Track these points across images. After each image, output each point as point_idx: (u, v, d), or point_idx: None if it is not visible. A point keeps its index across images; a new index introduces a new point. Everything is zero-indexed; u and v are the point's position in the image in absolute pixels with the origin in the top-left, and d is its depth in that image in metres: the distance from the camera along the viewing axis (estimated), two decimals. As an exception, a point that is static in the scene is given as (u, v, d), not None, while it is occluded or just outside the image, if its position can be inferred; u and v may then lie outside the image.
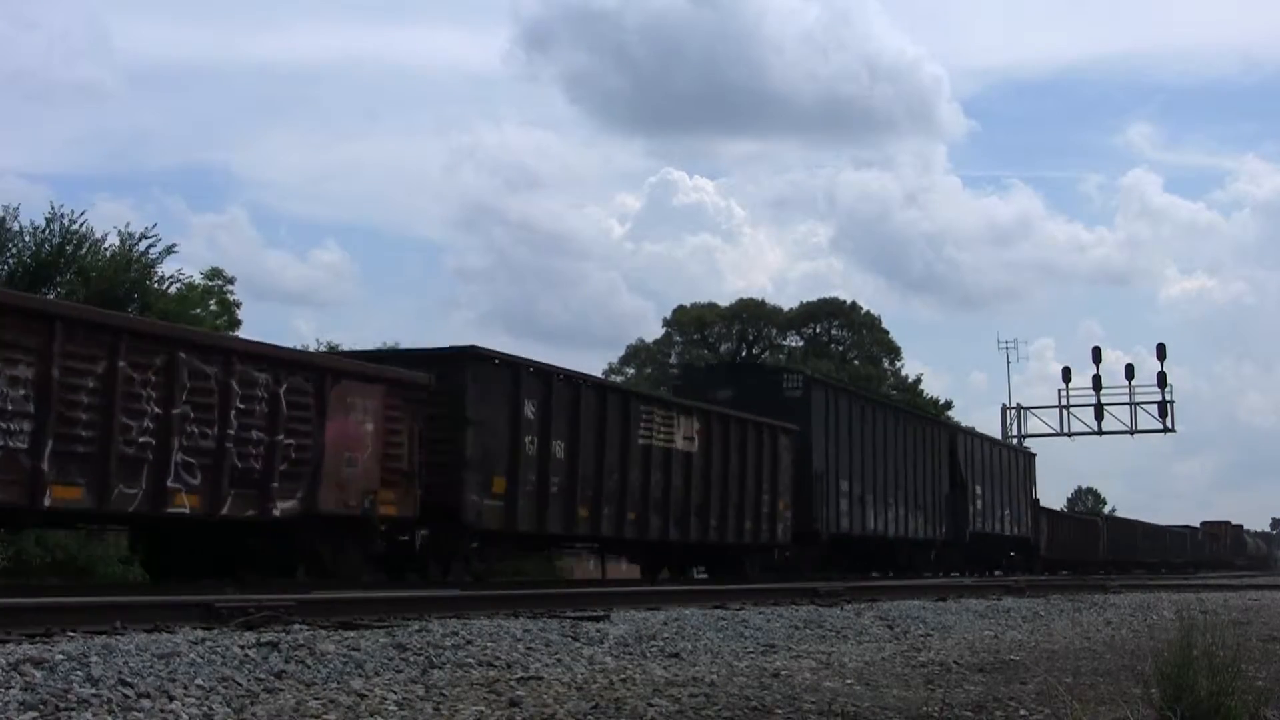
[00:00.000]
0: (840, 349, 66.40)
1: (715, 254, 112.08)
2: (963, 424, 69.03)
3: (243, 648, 6.77)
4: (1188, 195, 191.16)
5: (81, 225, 27.47)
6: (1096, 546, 55.24)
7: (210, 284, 34.63)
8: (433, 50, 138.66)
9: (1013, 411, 62.15)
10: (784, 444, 25.60)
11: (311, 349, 30.21)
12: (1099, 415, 58.65)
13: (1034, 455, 48.82)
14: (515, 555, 23.98)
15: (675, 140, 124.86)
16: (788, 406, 26.88)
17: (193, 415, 13.45)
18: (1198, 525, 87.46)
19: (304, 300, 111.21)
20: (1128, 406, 58.19)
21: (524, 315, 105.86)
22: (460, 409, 17.18)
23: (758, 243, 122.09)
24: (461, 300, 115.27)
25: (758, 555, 25.54)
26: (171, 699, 5.53)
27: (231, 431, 13.83)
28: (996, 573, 40.91)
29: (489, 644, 7.92)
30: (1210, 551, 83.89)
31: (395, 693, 6.10)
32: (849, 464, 28.92)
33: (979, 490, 38.24)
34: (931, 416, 37.87)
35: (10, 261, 26.55)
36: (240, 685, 5.97)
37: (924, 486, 33.70)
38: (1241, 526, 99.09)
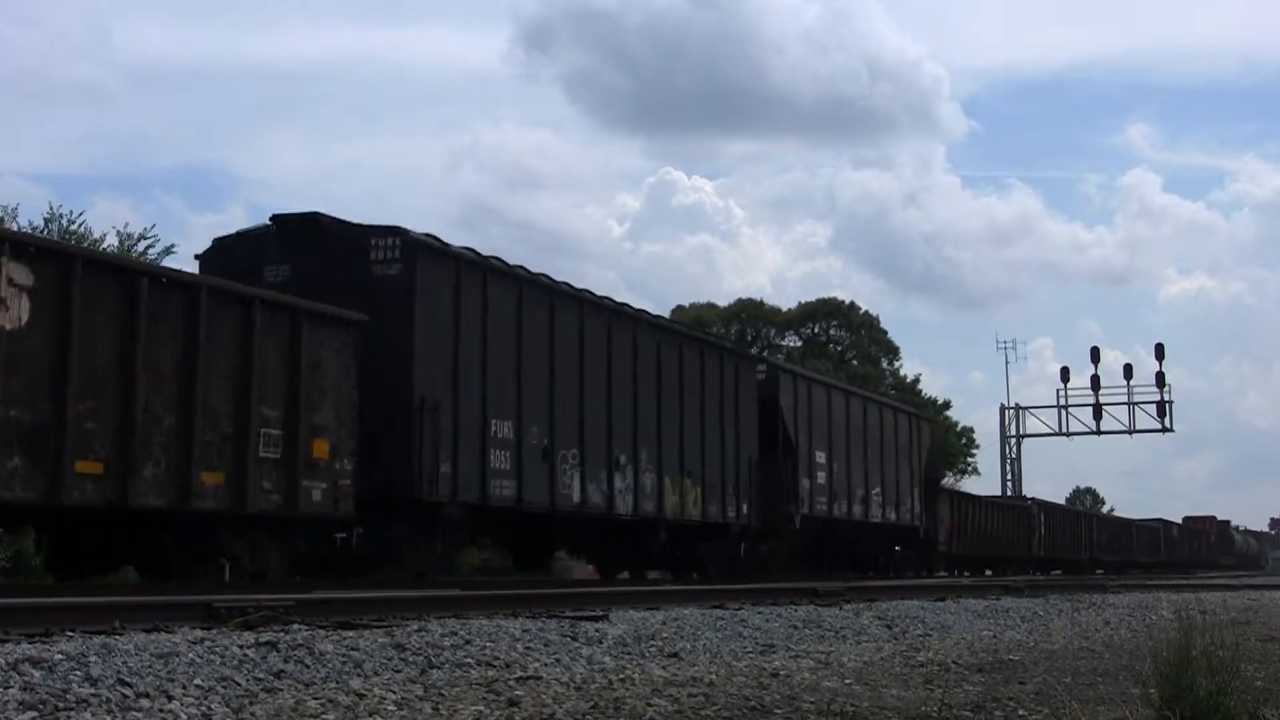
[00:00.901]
0: (839, 349, 66.42)
1: (714, 254, 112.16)
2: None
3: (242, 647, 6.77)
4: (1187, 195, 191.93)
5: (80, 226, 27.49)
6: (1029, 541, 45.95)
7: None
8: (432, 50, 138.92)
9: (1011, 411, 62.29)
10: (327, 344, 15.06)
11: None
12: (1097, 415, 58.91)
13: (927, 419, 38.35)
14: None
15: (675, 140, 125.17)
16: (380, 291, 16.34)
17: None
18: (1179, 520, 78.70)
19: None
20: (1126, 406, 58.46)
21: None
22: None
23: (756, 243, 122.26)
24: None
25: (264, 533, 14.74)
26: (170, 699, 5.53)
27: None
28: (871, 574, 31.16)
29: (488, 644, 7.92)
30: (1190, 549, 74.43)
31: (394, 692, 6.10)
32: (516, 394, 17.81)
33: (822, 458, 27.69)
34: (723, 343, 25.65)
35: (9, 261, 26.48)
36: (239, 685, 5.96)
37: (705, 445, 22.80)
38: (1229, 522, 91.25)
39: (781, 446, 26.02)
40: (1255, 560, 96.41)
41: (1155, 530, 67.90)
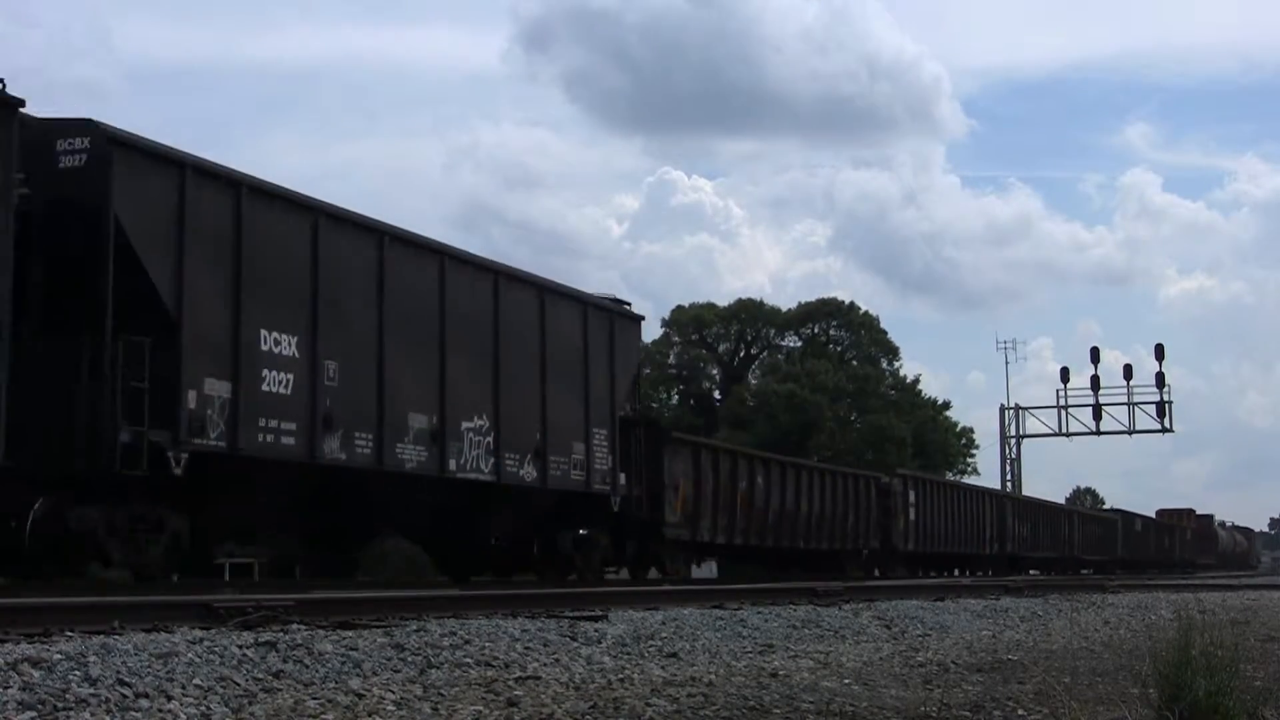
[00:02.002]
0: (838, 349, 66.42)
1: (713, 254, 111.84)
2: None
3: (241, 647, 6.77)
4: (1187, 195, 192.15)
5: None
6: (888, 528, 32.45)
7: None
8: (432, 50, 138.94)
9: (1011, 411, 62.29)
10: None
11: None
12: (1097, 415, 58.83)
13: (628, 316, 21.84)
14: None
15: (674, 140, 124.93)
16: None
17: None
18: (1153, 513, 68.68)
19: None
20: (1126, 407, 58.41)
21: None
22: None
23: (756, 243, 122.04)
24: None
25: None
26: (170, 699, 5.53)
27: None
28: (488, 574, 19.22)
29: (487, 644, 7.92)
30: (1159, 547, 62.66)
31: (393, 692, 6.10)
32: None
33: (286, 347, 14.60)
34: None
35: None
36: (238, 685, 5.96)
37: None
38: (1211, 517, 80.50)
39: (115, 308, 12.72)
40: (1244, 560, 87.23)
41: (1109, 523, 55.69)
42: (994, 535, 40.49)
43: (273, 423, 14.42)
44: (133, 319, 12.88)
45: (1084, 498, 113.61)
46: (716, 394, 64.95)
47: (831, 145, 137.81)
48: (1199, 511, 78.78)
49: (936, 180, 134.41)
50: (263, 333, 14.40)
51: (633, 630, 9.31)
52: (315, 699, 5.83)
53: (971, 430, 68.60)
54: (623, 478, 20.78)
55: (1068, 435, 59.96)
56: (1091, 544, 51.60)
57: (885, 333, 67.31)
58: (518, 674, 7.11)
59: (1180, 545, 67.44)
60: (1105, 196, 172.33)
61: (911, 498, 34.24)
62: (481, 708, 5.84)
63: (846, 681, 7.50)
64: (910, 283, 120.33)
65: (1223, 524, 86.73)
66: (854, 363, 64.72)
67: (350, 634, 7.79)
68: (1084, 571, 46.62)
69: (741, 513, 25.37)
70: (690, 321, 65.06)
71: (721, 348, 66.14)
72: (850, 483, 31.27)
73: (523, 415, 18.42)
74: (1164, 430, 58.38)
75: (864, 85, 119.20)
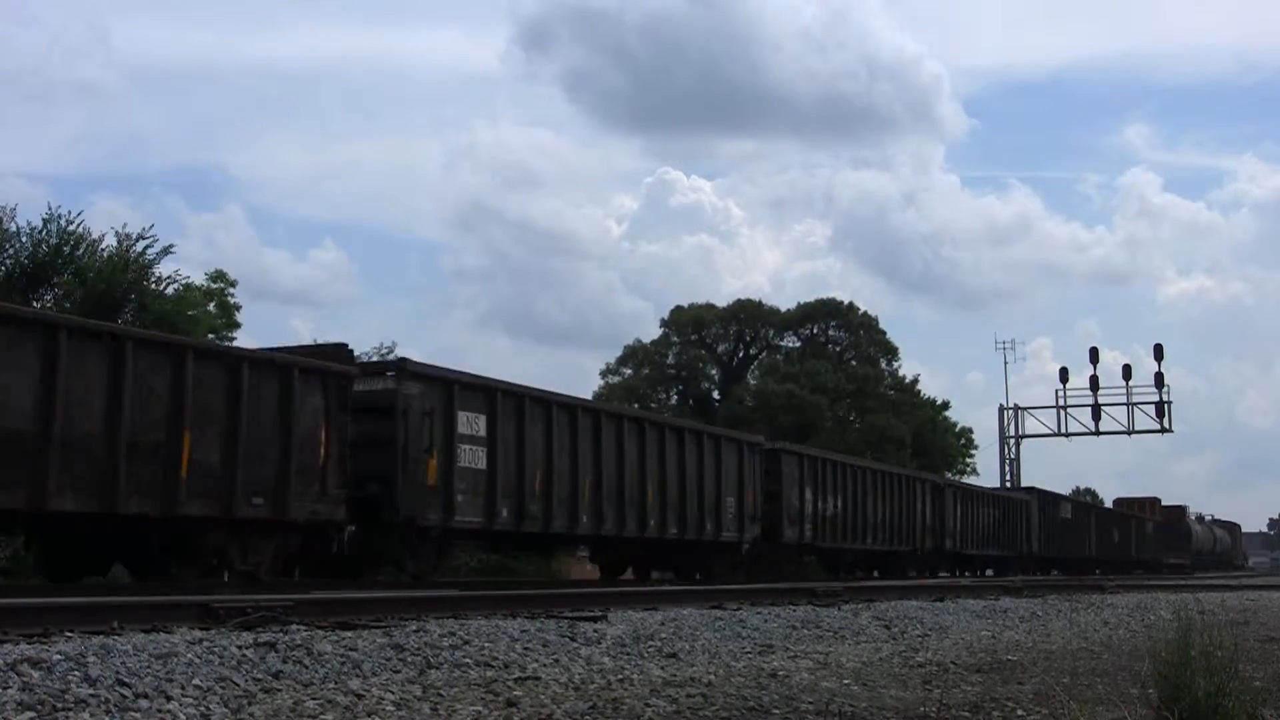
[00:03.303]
0: (838, 350, 66.45)
1: (713, 254, 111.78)
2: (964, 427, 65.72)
3: (240, 648, 6.77)
4: (1186, 195, 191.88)
5: (78, 226, 27.32)
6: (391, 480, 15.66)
7: (213, 285, 34.57)
8: (431, 50, 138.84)
9: (1010, 412, 62.30)
10: None
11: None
12: (1096, 416, 58.79)
13: None
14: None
15: (673, 139, 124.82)
16: None
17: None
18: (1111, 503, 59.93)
19: (301, 300, 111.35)
20: (1125, 407, 58.38)
21: (522, 315, 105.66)
22: None
23: (755, 243, 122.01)
24: (459, 300, 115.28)
25: None
26: (169, 699, 5.53)
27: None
28: None
29: (486, 644, 7.92)
30: (1106, 542, 50.36)
31: (393, 693, 6.10)
32: None
33: None
34: None
35: (8, 263, 26.48)
36: (238, 685, 5.96)
37: None
38: (1185, 508, 70.26)
39: None
40: (1226, 560, 76.88)
41: (1015, 505, 39.39)
42: (758, 512, 23.86)
43: None
44: None
45: (1083, 497, 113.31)
46: (715, 395, 64.99)
47: (831, 145, 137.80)
48: (1200, 511, 73.62)
49: (936, 180, 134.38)
50: None
51: (632, 630, 9.31)
52: (315, 699, 5.83)
53: (970, 430, 68.52)
54: None
55: (1067, 435, 59.93)
56: (982, 534, 35.69)
57: (884, 333, 67.31)
58: (517, 674, 7.11)
59: (1138, 541, 55.46)
60: (1105, 196, 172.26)
61: (476, 427, 17.18)
62: (481, 708, 5.84)
63: (846, 682, 7.51)
64: (910, 283, 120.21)
65: (1200, 517, 76.34)
66: (853, 363, 64.70)
67: (350, 634, 7.79)
68: (987, 572, 35.45)
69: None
70: (689, 322, 65.05)
71: (720, 348, 66.18)
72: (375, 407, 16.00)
73: None
74: (1163, 430, 58.36)
75: (864, 85, 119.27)
